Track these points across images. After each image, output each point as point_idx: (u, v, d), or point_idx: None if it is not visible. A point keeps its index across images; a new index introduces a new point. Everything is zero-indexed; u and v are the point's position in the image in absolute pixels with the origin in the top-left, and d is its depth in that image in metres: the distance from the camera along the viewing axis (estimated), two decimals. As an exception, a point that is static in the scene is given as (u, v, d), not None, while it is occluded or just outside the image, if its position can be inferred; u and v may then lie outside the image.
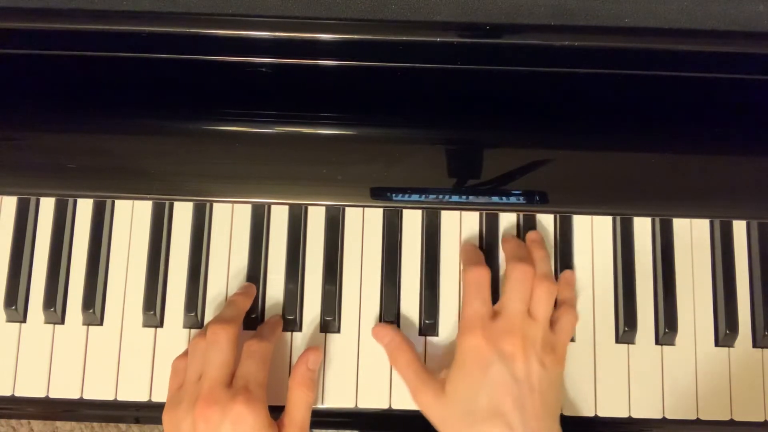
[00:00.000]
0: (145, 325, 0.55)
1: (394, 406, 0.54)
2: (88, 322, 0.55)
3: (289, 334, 0.55)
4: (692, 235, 0.56)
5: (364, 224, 0.56)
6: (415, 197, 0.50)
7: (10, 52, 0.51)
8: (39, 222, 0.56)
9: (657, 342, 0.55)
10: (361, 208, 0.56)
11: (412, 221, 0.56)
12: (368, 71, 0.50)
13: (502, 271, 0.56)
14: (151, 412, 0.54)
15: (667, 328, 0.54)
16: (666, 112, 0.51)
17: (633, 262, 0.56)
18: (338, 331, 0.55)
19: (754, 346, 0.55)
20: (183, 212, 0.56)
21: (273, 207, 0.56)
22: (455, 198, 0.50)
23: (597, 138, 0.51)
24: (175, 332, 0.55)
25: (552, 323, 0.52)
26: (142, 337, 0.55)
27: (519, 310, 0.50)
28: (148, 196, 0.52)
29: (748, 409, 0.54)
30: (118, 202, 0.56)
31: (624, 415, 0.54)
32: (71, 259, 0.56)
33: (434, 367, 0.54)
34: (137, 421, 0.56)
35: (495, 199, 0.50)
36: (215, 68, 0.50)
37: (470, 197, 0.50)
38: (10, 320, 0.55)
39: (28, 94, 0.51)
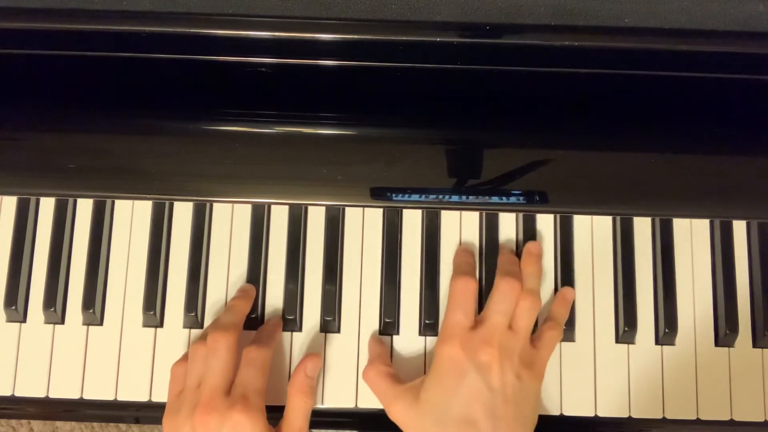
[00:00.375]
0: (145, 325, 0.55)
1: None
2: (88, 322, 0.55)
3: (289, 334, 0.55)
4: (692, 235, 0.56)
5: (364, 224, 0.56)
6: (415, 197, 0.50)
7: (10, 52, 0.51)
8: (39, 222, 0.56)
9: (657, 342, 0.55)
10: (361, 208, 0.56)
11: (412, 221, 0.56)
12: (368, 71, 0.50)
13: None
14: (151, 412, 0.54)
15: (667, 328, 0.54)
16: (666, 112, 0.51)
17: (633, 262, 0.56)
18: (338, 331, 0.55)
19: (754, 346, 0.55)
20: (183, 212, 0.56)
21: (273, 207, 0.56)
22: (455, 198, 0.50)
23: (597, 138, 0.51)
24: (175, 332, 0.55)
25: (535, 339, 0.52)
26: (142, 337, 0.55)
27: (499, 322, 0.50)
28: (148, 196, 0.52)
29: (748, 409, 0.54)
30: (118, 202, 0.56)
31: (624, 415, 0.54)
32: (71, 259, 0.56)
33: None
34: (137, 421, 0.56)
35: (495, 199, 0.50)
36: (215, 68, 0.50)
37: (470, 197, 0.50)
38: (10, 320, 0.55)
39: (28, 94, 0.51)
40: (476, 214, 0.56)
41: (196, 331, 0.55)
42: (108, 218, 0.56)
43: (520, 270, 0.54)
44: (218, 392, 0.48)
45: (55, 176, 0.50)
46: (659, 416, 0.54)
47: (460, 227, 0.56)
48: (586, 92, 0.51)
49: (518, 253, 0.56)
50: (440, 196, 0.50)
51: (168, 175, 0.50)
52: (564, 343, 0.55)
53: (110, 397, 0.54)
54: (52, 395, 0.54)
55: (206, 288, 0.56)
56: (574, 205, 0.52)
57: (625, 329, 0.54)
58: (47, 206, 0.56)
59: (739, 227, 0.56)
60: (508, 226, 0.57)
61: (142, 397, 0.54)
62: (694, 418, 0.54)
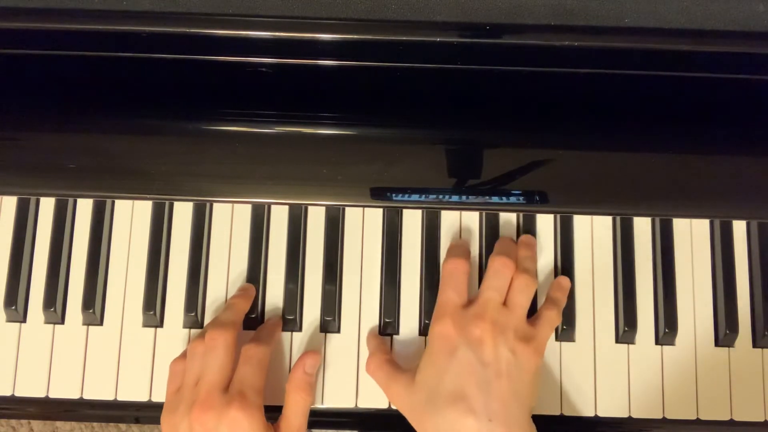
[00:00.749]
0: (145, 325, 0.55)
1: (394, 406, 0.54)
2: (88, 322, 0.55)
3: (288, 334, 0.55)
4: (692, 235, 0.56)
5: (364, 224, 0.56)
6: (415, 197, 0.50)
7: (10, 52, 0.51)
8: (39, 222, 0.56)
9: (657, 342, 0.55)
10: (361, 208, 0.56)
11: (412, 221, 0.56)
12: (368, 71, 0.50)
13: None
14: (151, 412, 0.54)
15: (667, 328, 0.54)
16: (666, 112, 0.51)
17: (633, 262, 0.55)
18: (338, 331, 0.55)
19: (754, 346, 0.55)
20: (183, 212, 0.56)
21: (273, 207, 0.56)
22: (455, 198, 0.50)
23: (597, 138, 0.51)
24: (175, 332, 0.55)
25: (533, 319, 0.52)
26: (142, 337, 0.55)
27: (492, 298, 0.50)
28: (148, 196, 0.52)
29: (748, 409, 0.54)
30: (118, 202, 0.56)
31: (624, 415, 0.54)
32: (71, 259, 0.56)
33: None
34: (137, 421, 0.56)
35: (495, 199, 0.50)
36: (215, 68, 0.50)
37: (470, 197, 0.50)
38: (10, 320, 0.55)
39: (28, 94, 0.51)
40: (476, 214, 0.56)
41: (196, 331, 0.55)
42: (108, 218, 0.56)
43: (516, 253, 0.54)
44: (216, 389, 0.48)
45: (55, 176, 0.50)
46: (659, 416, 0.54)
47: (460, 227, 0.56)
48: (586, 92, 0.51)
49: (518, 253, 0.56)
50: (440, 196, 0.50)
51: (168, 175, 0.50)
52: (564, 343, 0.55)
53: (110, 397, 0.54)
54: (52, 395, 0.54)
55: (206, 288, 0.56)
56: (574, 205, 0.52)
57: (625, 329, 0.54)
58: (47, 206, 0.56)
59: (739, 227, 0.56)
60: (508, 226, 0.57)
61: (141, 397, 0.54)
62: (694, 418, 0.54)
